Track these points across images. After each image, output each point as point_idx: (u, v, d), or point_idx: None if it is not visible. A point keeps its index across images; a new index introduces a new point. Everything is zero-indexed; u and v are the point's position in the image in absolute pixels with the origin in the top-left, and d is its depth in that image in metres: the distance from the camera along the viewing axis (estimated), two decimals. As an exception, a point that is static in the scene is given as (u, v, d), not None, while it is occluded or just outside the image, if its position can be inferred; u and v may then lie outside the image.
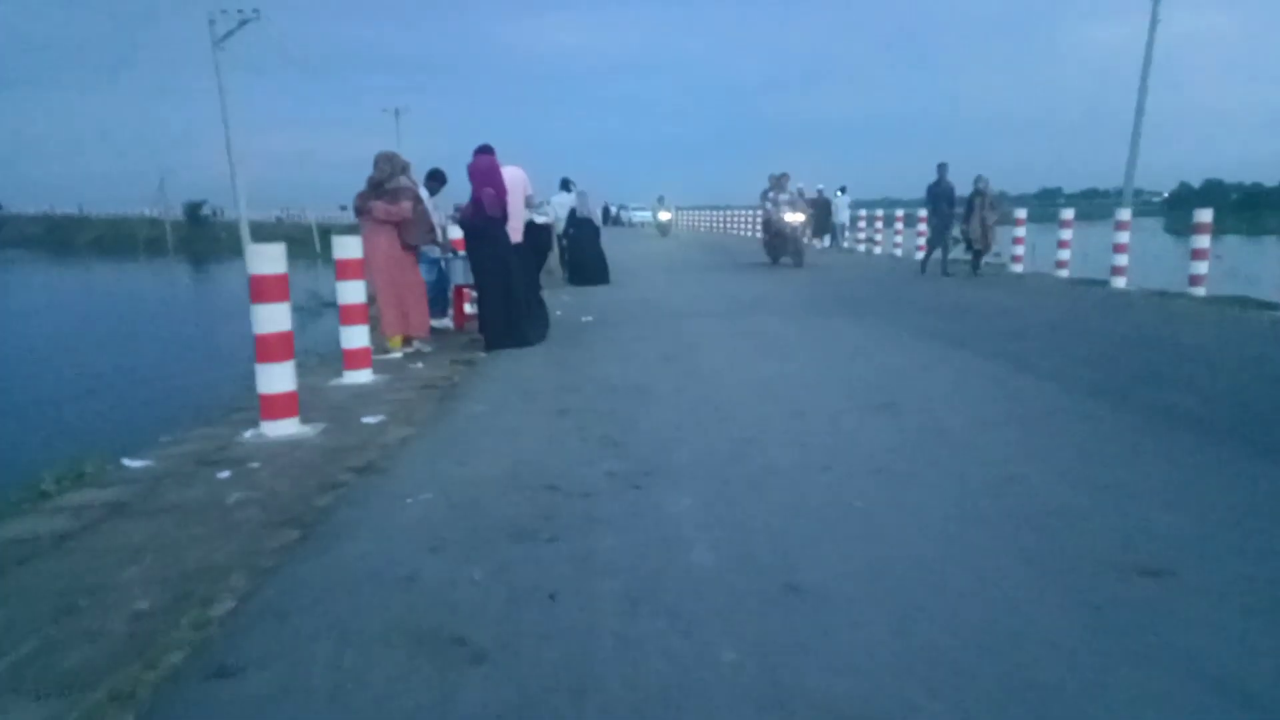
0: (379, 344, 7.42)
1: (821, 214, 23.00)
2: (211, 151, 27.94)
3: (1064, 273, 13.90)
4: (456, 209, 8.33)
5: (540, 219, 10.54)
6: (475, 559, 2.93)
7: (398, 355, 7.31)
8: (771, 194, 16.95)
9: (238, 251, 23.17)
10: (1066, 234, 13.93)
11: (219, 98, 25.46)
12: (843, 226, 24.47)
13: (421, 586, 2.74)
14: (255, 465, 4.18)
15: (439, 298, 8.72)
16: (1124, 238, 12.52)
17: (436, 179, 8.58)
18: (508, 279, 7.55)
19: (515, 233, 8.23)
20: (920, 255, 15.73)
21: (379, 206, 7.10)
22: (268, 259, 4.74)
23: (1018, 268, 15.00)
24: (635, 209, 56.51)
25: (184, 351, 14.20)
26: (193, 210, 66.00)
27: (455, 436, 4.65)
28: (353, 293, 6.29)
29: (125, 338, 16.10)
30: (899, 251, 20.30)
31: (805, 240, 20.70)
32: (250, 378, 4.87)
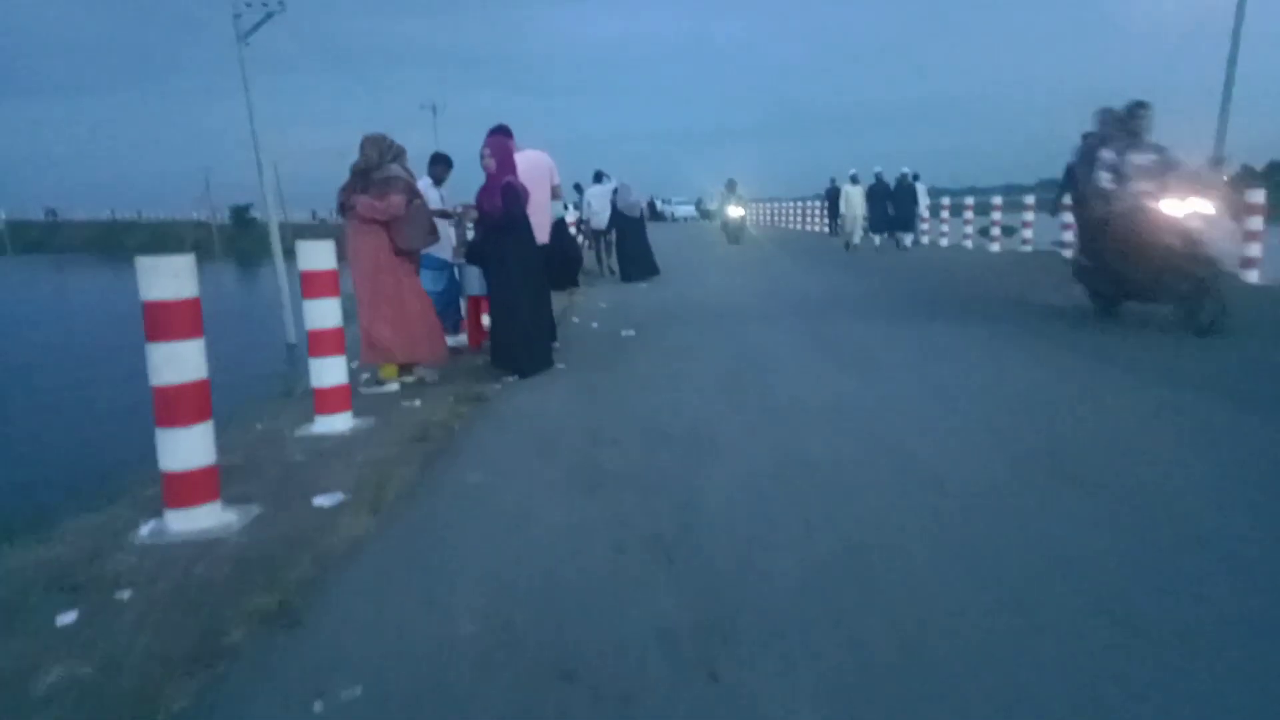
0: (377, 374, 6.01)
1: (903, 202, 19.13)
2: (253, 151, 27.11)
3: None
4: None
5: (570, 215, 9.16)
6: None
7: (394, 388, 5.88)
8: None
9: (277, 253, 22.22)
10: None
11: (245, 95, 24.48)
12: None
13: None
14: (125, 596, 2.74)
15: (449, 310, 7.26)
16: (1257, 224, 10.49)
17: (441, 164, 7.13)
18: (535, 289, 6.08)
19: (540, 231, 6.74)
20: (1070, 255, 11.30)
21: (363, 202, 5.66)
22: (167, 275, 3.30)
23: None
24: (678, 202, 54.81)
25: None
26: (239, 213, 66.54)
27: (431, 537, 3.15)
28: (324, 315, 4.84)
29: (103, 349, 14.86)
30: (1028, 248, 16.60)
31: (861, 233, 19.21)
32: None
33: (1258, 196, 10.41)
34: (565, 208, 13.96)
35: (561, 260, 12.68)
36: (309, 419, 4.89)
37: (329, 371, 4.84)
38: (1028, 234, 16.79)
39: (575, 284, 12.61)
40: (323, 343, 4.82)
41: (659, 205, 53.00)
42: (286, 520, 3.38)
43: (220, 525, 3.33)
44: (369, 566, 2.89)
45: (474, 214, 6.02)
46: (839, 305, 9.18)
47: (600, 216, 14.33)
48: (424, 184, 6.96)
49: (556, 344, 6.69)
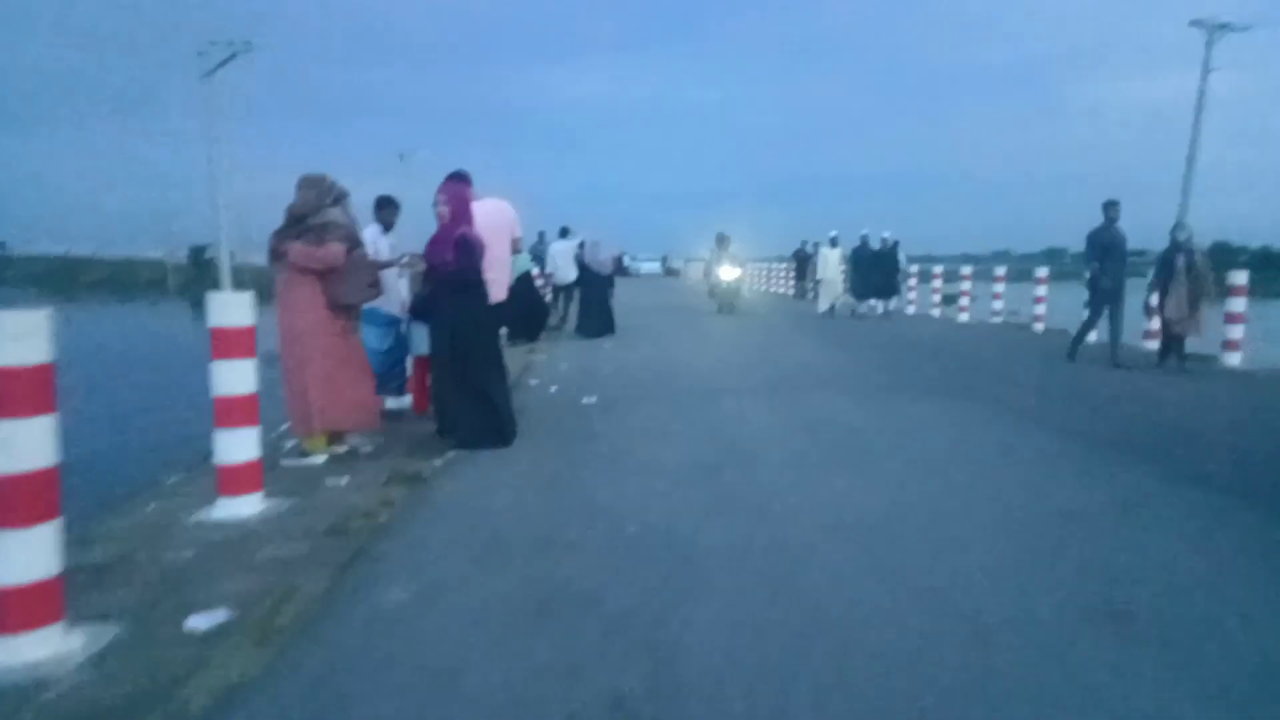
0: (301, 444, 5.27)
1: (886, 268, 18.09)
2: (225, 192, 26.11)
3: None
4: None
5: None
6: None
7: (320, 461, 5.14)
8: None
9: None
10: (1240, 304, 10.16)
11: (206, 135, 23.79)
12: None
13: None
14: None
15: (395, 371, 6.57)
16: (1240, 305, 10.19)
17: (389, 207, 6.49)
18: (486, 354, 5.41)
19: (498, 288, 6.11)
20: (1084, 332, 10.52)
21: (297, 249, 4.99)
22: (9, 335, 2.59)
23: (1233, 359, 9.96)
24: (644, 259, 54.90)
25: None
26: (197, 253, 65.12)
27: (329, 694, 2.42)
28: (236, 378, 4.12)
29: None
30: (998, 319, 16.40)
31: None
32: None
33: (1240, 278, 10.19)
34: (533, 261, 13.66)
35: (527, 314, 12.50)
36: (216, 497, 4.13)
37: (237, 446, 4.10)
38: (997, 305, 16.61)
39: (536, 339, 12.22)
40: (232, 411, 4.09)
41: (626, 261, 53.03)
42: (145, 651, 2.63)
43: (55, 658, 2.58)
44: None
45: (421, 265, 5.37)
46: (823, 379, 8.55)
47: (564, 272, 14.32)
48: (371, 231, 6.32)
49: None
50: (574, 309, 14.49)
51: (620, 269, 49.94)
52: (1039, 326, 14.57)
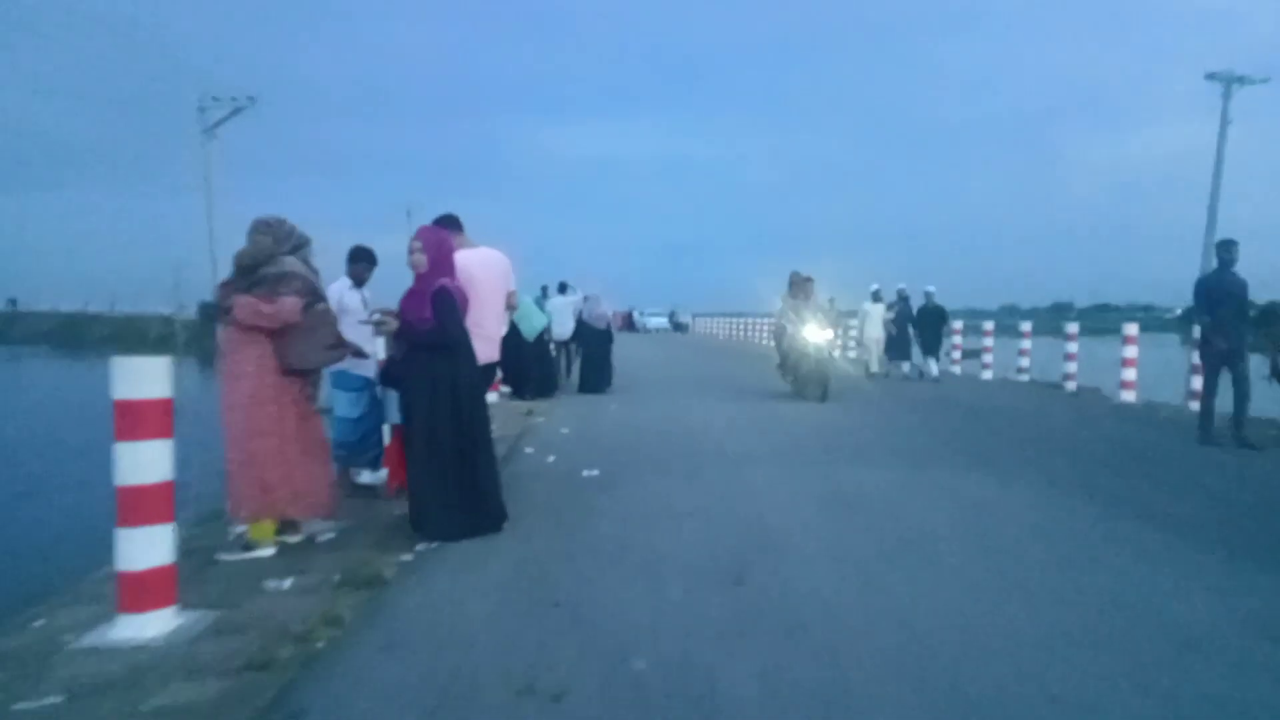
0: (246, 533, 4.45)
1: (932, 325, 16.03)
2: (224, 247, 25.69)
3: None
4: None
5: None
6: None
7: (267, 554, 4.31)
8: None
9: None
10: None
11: (207, 190, 23.45)
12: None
13: None
14: None
15: (369, 441, 5.76)
16: None
17: (362, 261, 5.77)
18: (470, 429, 4.59)
19: (488, 348, 5.34)
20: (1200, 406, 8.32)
21: (244, 304, 4.24)
22: None
23: None
24: (650, 313, 54.11)
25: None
26: (206, 309, 65.02)
27: None
28: (145, 463, 3.31)
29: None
30: (1024, 377, 15.24)
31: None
32: None
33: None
34: (546, 317, 13.36)
35: (541, 373, 12.33)
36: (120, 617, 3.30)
37: (144, 548, 3.27)
38: (1024, 362, 15.75)
39: (550, 395, 12.18)
40: (140, 505, 3.27)
41: (635, 316, 52.42)
42: None
43: None
44: None
45: (393, 324, 4.60)
46: (859, 450, 7.56)
47: (563, 327, 14.12)
48: (339, 286, 5.61)
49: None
50: (576, 365, 14.62)
51: (630, 325, 49.43)
52: (1071, 385, 13.68)
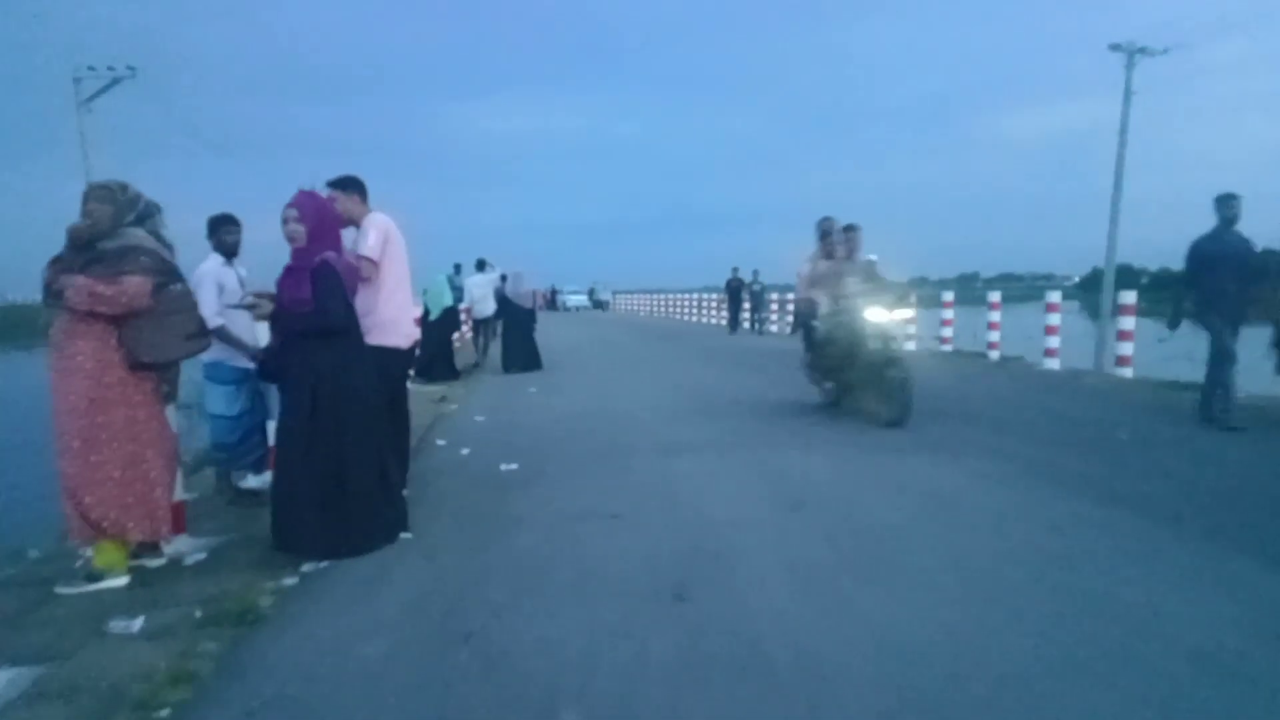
0: (91, 560, 3.72)
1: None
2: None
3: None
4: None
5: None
6: None
7: (118, 584, 3.60)
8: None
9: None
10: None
11: (85, 169, 21.56)
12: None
13: None
14: None
15: (250, 442, 5.03)
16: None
17: (225, 226, 4.97)
18: (361, 424, 3.92)
19: (405, 329, 4.72)
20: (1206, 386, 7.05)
21: (79, 286, 3.49)
22: None
23: None
24: (570, 292, 53.55)
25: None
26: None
27: None
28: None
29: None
30: (947, 348, 14.99)
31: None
32: None
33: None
34: (457, 295, 13.07)
35: (443, 354, 11.76)
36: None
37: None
38: (947, 332, 15.80)
39: (454, 378, 11.59)
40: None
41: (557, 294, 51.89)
42: None
43: None
44: None
45: (267, 306, 3.89)
46: (795, 433, 6.98)
47: (482, 305, 13.81)
48: (213, 264, 4.84)
49: (406, 491, 4.56)
50: (495, 345, 14.18)
51: (552, 304, 48.77)
52: (994, 354, 13.70)
